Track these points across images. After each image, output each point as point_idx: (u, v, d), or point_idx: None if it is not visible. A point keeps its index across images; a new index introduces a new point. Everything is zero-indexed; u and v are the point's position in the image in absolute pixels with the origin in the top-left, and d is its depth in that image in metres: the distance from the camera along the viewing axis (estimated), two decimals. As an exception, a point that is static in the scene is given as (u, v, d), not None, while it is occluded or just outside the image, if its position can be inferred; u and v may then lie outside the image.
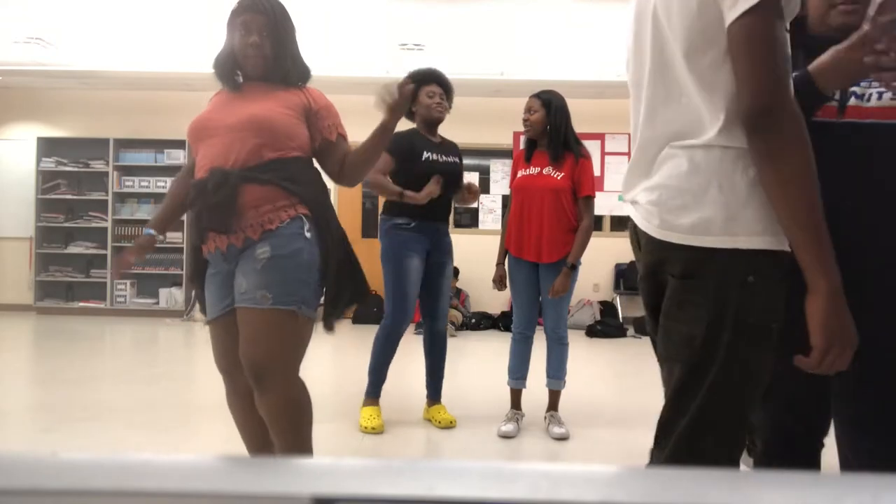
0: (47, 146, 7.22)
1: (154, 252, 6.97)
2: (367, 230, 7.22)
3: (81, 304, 7.16)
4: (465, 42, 5.56)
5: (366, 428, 2.90)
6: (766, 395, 1.22)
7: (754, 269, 1.00)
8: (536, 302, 3.06)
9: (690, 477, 0.29)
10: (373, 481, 0.28)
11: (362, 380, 3.07)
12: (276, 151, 1.72)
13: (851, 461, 1.36)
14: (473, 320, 6.67)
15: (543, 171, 2.94)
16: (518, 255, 2.99)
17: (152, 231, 1.87)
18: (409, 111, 2.99)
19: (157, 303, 7.11)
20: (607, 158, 7.15)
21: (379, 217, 3.10)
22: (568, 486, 0.28)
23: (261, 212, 1.70)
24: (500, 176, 7.25)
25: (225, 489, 0.28)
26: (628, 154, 1.26)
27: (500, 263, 3.11)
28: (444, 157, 3.04)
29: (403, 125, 2.50)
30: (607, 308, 6.86)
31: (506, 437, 2.90)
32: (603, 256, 6.85)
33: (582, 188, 2.93)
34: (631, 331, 6.48)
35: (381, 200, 3.06)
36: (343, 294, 1.82)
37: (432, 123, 3.05)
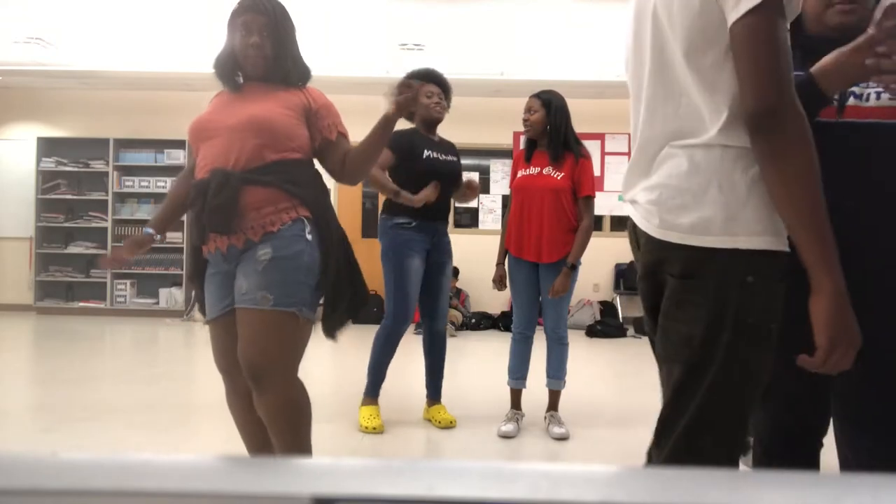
0: (47, 146, 7.22)
1: (154, 252, 6.99)
2: (367, 230, 7.22)
3: (81, 304, 7.16)
4: (465, 42, 5.56)
5: (366, 428, 2.90)
6: (765, 394, 1.22)
7: (754, 270, 1.00)
8: (536, 302, 3.06)
9: (690, 477, 0.29)
10: (373, 481, 0.28)
11: (362, 380, 3.07)
12: (277, 153, 1.72)
13: (851, 461, 1.36)
14: (473, 320, 6.67)
15: (543, 171, 2.94)
16: (518, 255, 2.99)
17: (151, 230, 1.87)
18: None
19: (157, 303, 7.12)
20: (607, 158, 7.15)
21: (379, 217, 3.10)
22: (568, 486, 0.28)
23: (262, 213, 1.70)
24: (500, 176, 7.26)
25: (225, 489, 0.28)
26: (628, 154, 1.26)
27: (500, 263, 3.11)
28: (444, 156, 3.05)
29: (402, 126, 2.51)
30: (607, 308, 6.86)
31: (506, 437, 2.90)
32: (603, 256, 6.85)
33: (582, 188, 2.93)
34: (631, 331, 6.48)
35: (381, 200, 3.05)
36: (342, 297, 1.81)
37: (432, 123, 3.05)
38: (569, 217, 2.92)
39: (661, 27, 1.07)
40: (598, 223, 6.74)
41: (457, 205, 7.20)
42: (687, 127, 1.05)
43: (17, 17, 5.15)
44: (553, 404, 3.06)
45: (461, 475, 0.29)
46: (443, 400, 3.17)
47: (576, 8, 4.77)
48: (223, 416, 2.08)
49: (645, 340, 1.27)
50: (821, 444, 1.38)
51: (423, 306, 3.12)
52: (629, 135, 1.23)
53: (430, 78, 2.99)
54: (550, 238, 2.90)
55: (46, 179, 7.21)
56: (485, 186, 7.28)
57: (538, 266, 2.97)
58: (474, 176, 7.14)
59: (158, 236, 1.89)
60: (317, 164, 1.85)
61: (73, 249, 7.20)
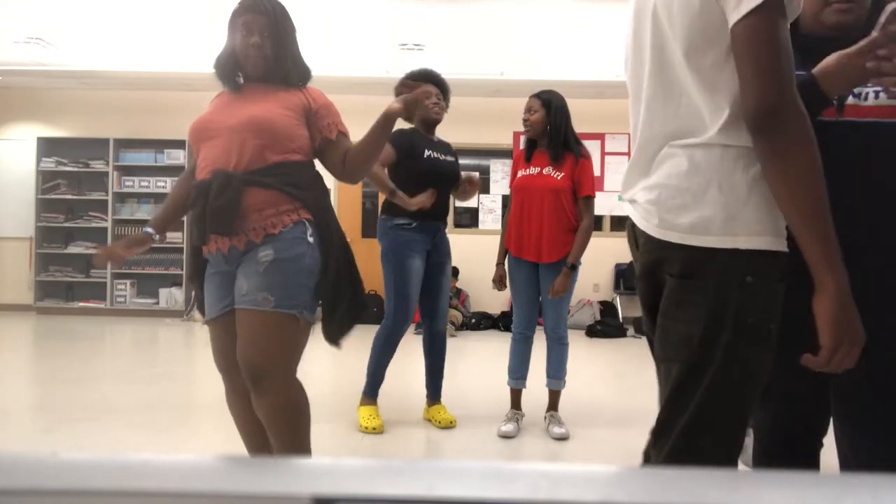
0: (47, 146, 7.22)
1: (154, 252, 6.98)
2: (367, 230, 7.22)
3: (81, 304, 7.16)
4: (465, 42, 5.56)
5: (366, 428, 2.90)
6: (765, 394, 1.22)
7: (754, 270, 1.00)
8: (536, 302, 3.06)
9: (690, 477, 0.29)
10: (373, 481, 0.28)
11: (361, 380, 3.07)
12: (278, 154, 1.72)
13: (851, 460, 1.36)
14: (473, 320, 6.67)
15: (543, 171, 2.94)
16: (518, 255, 2.99)
17: (150, 230, 1.87)
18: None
19: (157, 303, 7.12)
20: (607, 158, 7.15)
21: (378, 217, 3.09)
22: (568, 486, 0.28)
23: (264, 215, 1.70)
24: (500, 176, 7.26)
25: (225, 489, 0.28)
26: (628, 154, 1.26)
27: (500, 263, 3.12)
28: (444, 157, 3.06)
29: (400, 125, 2.50)
30: (607, 308, 6.86)
31: (506, 437, 2.90)
32: (603, 256, 6.85)
33: (582, 188, 2.93)
34: (631, 331, 6.48)
35: (381, 200, 3.05)
36: (342, 300, 1.81)
37: (430, 124, 3.06)
38: (569, 217, 2.92)
39: (661, 27, 1.07)
40: (598, 223, 6.74)
41: (457, 203, 7.22)
42: (687, 127, 1.05)
43: (17, 17, 5.15)
44: (553, 404, 3.06)
45: (461, 475, 0.29)
46: (443, 400, 3.17)
47: (576, 8, 4.77)
48: (223, 416, 2.08)
49: (645, 340, 1.27)
50: (821, 445, 1.38)
51: (424, 307, 3.12)
52: (629, 135, 1.23)
53: (428, 78, 2.98)
54: (550, 238, 2.90)
55: (46, 179, 7.22)
56: (485, 186, 7.28)
57: (538, 266, 2.97)
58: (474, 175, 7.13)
59: (157, 236, 1.89)
60: (317, 165, 1.85)
61: (73, 249, 7.20)
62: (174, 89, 7.07)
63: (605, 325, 6.41)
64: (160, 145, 7.12)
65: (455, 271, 6.72)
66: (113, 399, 3.45)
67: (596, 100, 6.75)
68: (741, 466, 2.26)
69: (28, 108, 7.38)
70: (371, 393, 3.03)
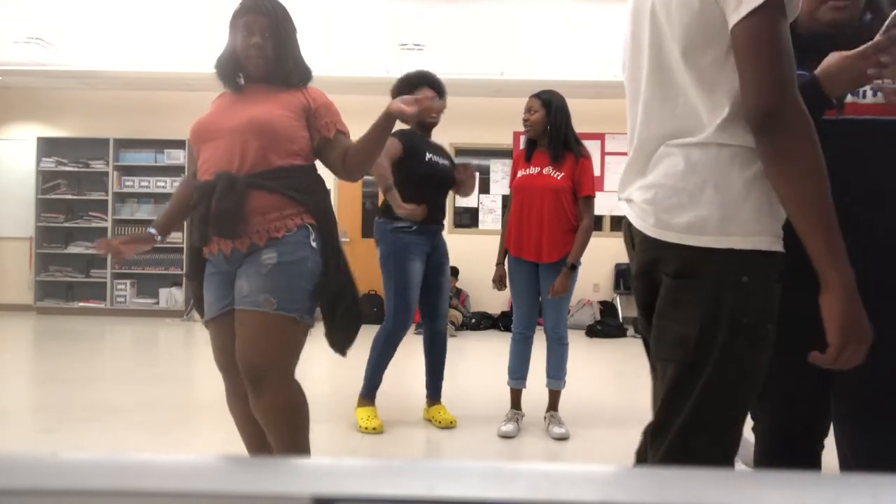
0: (47, 146, 7.22)
1: (154, 252, 6.98)
2: (367, 230, 7.21)
3: (81, 304, 7.16)
4: (465, 42, 5.55)
5: (365, 428, 2.90)
6: (764, 395, 1.22)
7: (750, 270, 1.00)
8: (536, 302, 3.06)
9: (690, 477, 0.29)
10: (373, 481, 0.28)
11: (360, 380, 3.07)
12: (281, 157, 1.73)
13: (851, 461, 1.36)
14: (473, 320, 6.67)
15: (543, 171, 2.94)
16: (518, 255, 2.99)
17: (153, 231, 1.88)
18: None
19: (157, 303, 7.12)
20: (607, 158, 7.15)
21: (375, 220, 3.07)
22: (568, 486, 0.28)
23: (267, 219, 1.71)
24: (500, 176, 7.25)
25: (225, 489, 0.28)
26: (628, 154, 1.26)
27: (499, 263, 3.11)
28: (442, 160, 3.06)
29: (398, 127, 2.50)
30: (607, 308, 6.86)
31: (506, 437, 2.90)
32: (603, 256, 6.85)
33: (582, 188, 2.93)
34: (631, 331, 6.48)
35: (381, 200, 3.04)
36: (342, 305, 1.83)
37: (427, 127, 3.05)
38: (569, 217, 2.92)
39: (660, 26, 1.07)
40: (598, 223, 6.74)
41: (457, 203, 7.22)
42: (684, 127, 1.05)
43: (17, 17, 5.15)
44: (553, 404, 3.06)
45: (461, 475, 0.29)
46: (443, 400, 3.17)
47: (576, 8, 4.77)
48: (223, 416, 2.08)
49: (645, 340, 1.27)
50: (822, 446, 1.38)
51: (424, 307, 3.12)
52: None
53: (424, 81, 2.97)
54: (550, 238, 2.90)
55: (46, 179, 7.21)
56: (485, 186, 7.29)
57: (538, 266, 2.97)
58: (475, 177, 7.13)
59: (160, 237, 1.89)
60: (318, 165, 1.86)
61: (73, 249, 7.20)
62: (174, 89, 7.07)
63: (605, 325, 6.41)
64: (160, 145, 7.11)
65: (455, 271, 6.72)
66: (113, 399, 3.45)
67: (596, 100, 6.74)
68: (742, 466, 2.26)
69: (28, 108, 7.38)
70: (368, 395, 3.03)
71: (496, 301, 6.85)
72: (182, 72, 6.30)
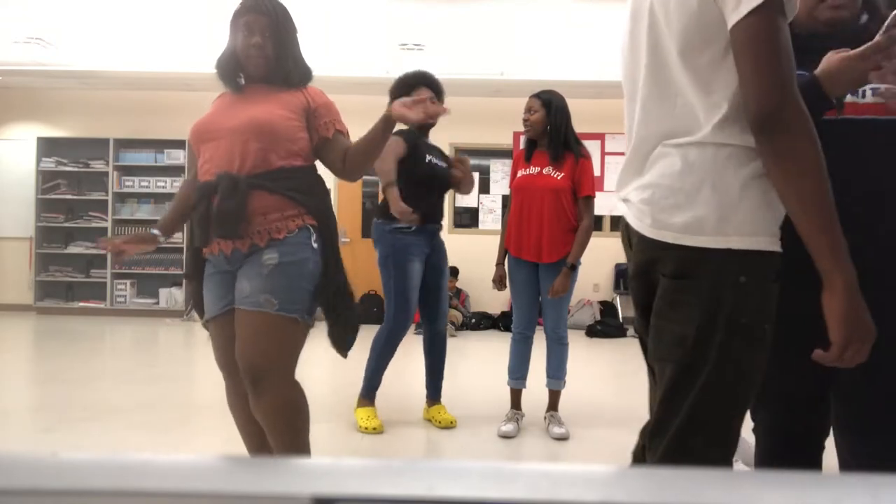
0: (47, 146, 7.22)
1: (154, 252, 6.98)
2: (367, 230, 7.19)
3: (81, 304, 7.16)
4: (465, 42, 5.55)
5: (365, 428, 2.90)
6: (765, 395, 1.22)
7: (747, 270, 1.00)
8: (536, 302, 3.06)
9: (690, 477, 0.29)
10: (373, 481, 0.28)
11: (360, 380, 3.06)
12: (281, 157, 1.73)
13: (850, 463, 1.36)
14: (473, 320, 6.67)
15: (543, 171, 2.94)
16: (518, 255, 2.99)
17: (157, 231, 1.88)
18: None
19: (157, 303, 7.12)
20: (607, 158, 7.15)
21: (374, 221, 3.06)
22: (568, 486, 0.28)
23: (269, 220, 1.71)
24: (500, 176, 7.25)
25: (225, 489, 0.28)
26: (628, 154, 1.26)
27: (499, 263, 3.11)
28: (440, 162, 3.05)
29: (398, 126, 2.50)
30: (607, 308, 6.86)
31: (506, 437, 2.90)
32: (603, 256, 6.85)
33: (582, 188, 2.93)
34: (631, 331, 6.47)
35: (380, 199, 3.04)
36: (343, 304, 1.83)
37: (424, 128, 3.05)
38: (569, 217, 2.92)
39: (658, 26, 1.07)
40: (598, 223, 6.74)
41: (457, 203, 7.22)
42: (682, 126, 1.05)
43: (17, 17, 5.15)
44: (553, 404, 3.06)
45: (461, 475, 0.29)
46: (443, 400, 3.17)
47: (576, 8, 4.77)
48: (223, 416, 2.08)
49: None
50: (822, 447, 1.38)
51: (423, 308, 3.11)
52: (628, 135, 1.23)
53: (422, 81, 2.96)
54: (550, 238, 2.90)
55: (46, 179, 7.21)
56: (485, 186, 7.28)
57: (538, 266, 2.97)
58: (474, 176, 7.13)
59: (163, 238, 1.89)
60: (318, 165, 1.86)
61: (73, 249, 7.20)
62: (174, 89, 7.07)
63: (605, 325, 6.41)
64: (160, 145, 7.11)
65: (455, 271, 6.72)
66: (113, 399, 3.45)
67: (596, 100, 6.74)
68: (742, 466, 2.26)
69: (28, 108, 7.38)
70: (368, 395, 3.03)
71: (496, 301, 6.85)
72: (182, 72, 6.30)
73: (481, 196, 7.27)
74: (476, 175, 7.20)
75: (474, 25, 5.15)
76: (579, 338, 6.10)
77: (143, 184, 7.17)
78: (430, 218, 2.98)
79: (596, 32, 5.17)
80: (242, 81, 1.85)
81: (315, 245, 1.76)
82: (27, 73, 6.59)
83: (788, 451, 1.37)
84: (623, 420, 3.26)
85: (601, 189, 6.74)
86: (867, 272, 0.99)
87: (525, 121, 2.96)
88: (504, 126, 7.04)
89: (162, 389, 3.70)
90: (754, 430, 1.44)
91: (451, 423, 3.05)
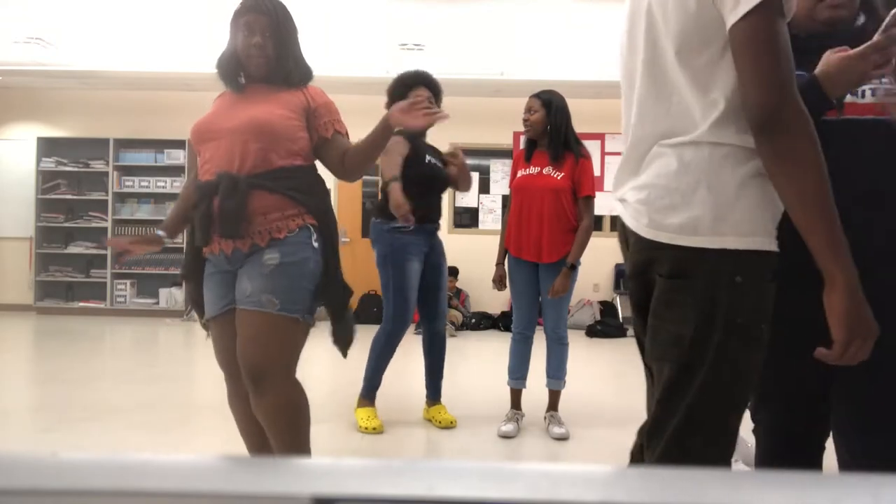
0: (47, 146, 7.22)
1: (154, 252, 6.96)
2: (367, 230, 7.19)
3: (81, 304, 7.15)
4: (465, 42, 5.55)
5: (365, 428, 2.90)
6: (766, 396, 1.22)
7: (743, 270, 1.00)
8: (536, 302, 3.06)
9: (690, 477, 0.29)
10: (373, 481, 0.28)
11: (360, 380, 3.06)
12: (282, 157, 1.73)
13: (850, 463, 1.36)
14: (473, 320, 6.67)
15: (543, 171, 2.94)
16: (518, 255, 2.99)
17: (162, 233, 1.88)
18: None
19: (157, 303, 7.12)
20: (607, 158, 7.15)
21: (372, 221, 3.05)
22: (568, 486, 0.28)
23: (269, 219, 1.71)
24: (500, 176, 7.25)
25: (225, 489, 0.28)
26: (628, 154, 1.26)
27: (499, 263, 3.11)
28: (438, 163, 3.05)
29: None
30: (607, 308, 6.86)
31: (506, 437, 2.90)
32: (603, 256, 6.84)
33: (582, 188, 2.93)
34: (631, 331, 6.46)
35: (378, 199, 3.03)
36: (343, 304, 1.85)
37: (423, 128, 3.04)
38: (569, 217, 2.92)
39: (655, 25, 1.07)
40: (598, 223, 6.73)
41: (457, 203, 7.22)
42: (678, 126, 1.05)
43: (17, 17, 5.15)
44: (553, 404, 3.06)
45: (461, 475, 0.29)
46: (443, 400, 3.17)
47: (576, 8, 4.77)
48: (223, 416, 2.08)
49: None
50: (822, 447, 1.38)
51: (422, 308, 3.11)
52: (627, 134, 1.23)
53: (420, 81, 2.95)
54: (550, 238, 2.90)
55: (46, 179, 7.21)
56: (485, 186, 7.29)
57: (538, 266, 2.97)
58: (474, 176, 7.13)
59: (167, 239, 1.89)
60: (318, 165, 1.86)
61: (73, 249, 7.19)
62: (174, 89, 7.07)
63: (605, 325, 6.41)
64: (160, 145, 7.11)
65: (455, 271, 6.72)
66: (113, 399, 3.45)
67: (596, 100, 6.74)
68: (742, 466, 2.26)
69: (28, 108, 7.38)
70: (368, 395, 3.03)
71: (496, 301, 6.84)
72: (182, 72, 6.30)
73: (481, 196, 7.27)
74: (476, 175, 7.20)
75: (474, 25, 5.15)
76: (579, 338, 6.10)
77: (143, 184, 7.17)
78: (429, 217, 2.98)
79: (596, 33, 5.17)
80: (243, 81, 1.85)
81: (315, 244, 1.76)
82: (27, 73, 6.59)
83: (788, 451, 1.37)
84: (623, 420, 3.26)
85: (601, 189, 6.74)
86: (867, 272, 0.99)
87: (525, 121, 2.96)
88: (504, 126, 7.04)
89: (162, 389, 3.70)
90: (754, 431, 1.44)
91: (451, 423, 3.05)
